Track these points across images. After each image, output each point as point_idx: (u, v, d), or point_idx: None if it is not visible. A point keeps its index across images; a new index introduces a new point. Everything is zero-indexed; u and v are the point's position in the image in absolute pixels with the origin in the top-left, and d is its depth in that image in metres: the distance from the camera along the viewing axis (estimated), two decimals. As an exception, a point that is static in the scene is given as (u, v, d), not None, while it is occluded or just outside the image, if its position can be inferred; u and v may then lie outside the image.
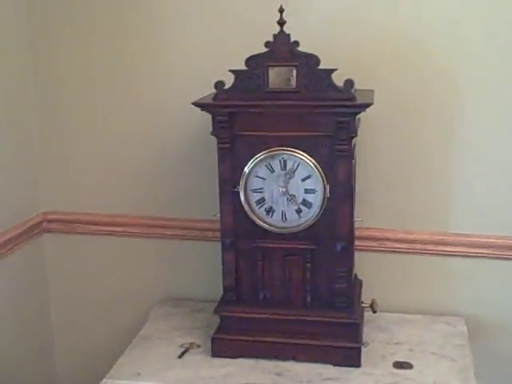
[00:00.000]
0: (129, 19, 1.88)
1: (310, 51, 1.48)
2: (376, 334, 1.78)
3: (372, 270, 1.88)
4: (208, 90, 1.58)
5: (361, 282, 1.82)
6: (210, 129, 1.56)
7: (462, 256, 1.85)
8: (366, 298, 1.78)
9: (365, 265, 1.87)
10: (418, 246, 1.87)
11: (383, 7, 1.74)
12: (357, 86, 1.54)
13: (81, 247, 2.08)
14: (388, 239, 1.88)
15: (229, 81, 1.53)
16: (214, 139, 1.59)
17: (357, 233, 1.83)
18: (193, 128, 1.88)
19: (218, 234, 1.94)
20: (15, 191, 1.95)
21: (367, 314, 1.82)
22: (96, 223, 2.04)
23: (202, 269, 2.02)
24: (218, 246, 1.96)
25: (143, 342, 1.79)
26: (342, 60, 1.61)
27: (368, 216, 1.84)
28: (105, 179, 2.01)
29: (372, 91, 1.64)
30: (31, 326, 2.07)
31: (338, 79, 1.48)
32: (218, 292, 1.98)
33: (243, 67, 1.51)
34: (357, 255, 1.85)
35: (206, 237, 1.97)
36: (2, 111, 1.87)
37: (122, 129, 1.97)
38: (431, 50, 1.74)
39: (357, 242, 1.85)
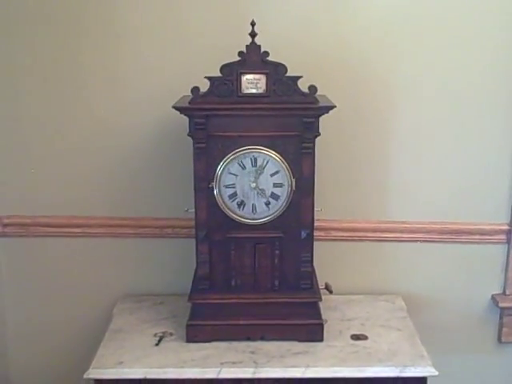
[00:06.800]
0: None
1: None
2: (329, 314, 1.97)
3: (319, 258, 2.08)
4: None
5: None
6: (187, 131, 1.70)
7: (397, 241, 2.10)
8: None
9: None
10: (360, 234, 2.10)
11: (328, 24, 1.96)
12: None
13: (40, 250, 2.11)
14: (333, 228, 2.10)
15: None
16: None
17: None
18: (150, 136, 2.03)
19: (178, 230, 2.08)
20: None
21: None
22: (54, 225, 2.09)
23: (160, 265, 2.13)
24: (177, 242, 2.10)
25: (116, 334, 1.88)
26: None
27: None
28: (62, 182, 2.07)
29: (325, 96, 1.84)
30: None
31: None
32: (176, 286, 2.12)
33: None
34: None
35: (165, 234, 2.09)
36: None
37: (82, 132, 2.04)
38: (370, 59, 1.97)
39: (306, 232, 2.05)
